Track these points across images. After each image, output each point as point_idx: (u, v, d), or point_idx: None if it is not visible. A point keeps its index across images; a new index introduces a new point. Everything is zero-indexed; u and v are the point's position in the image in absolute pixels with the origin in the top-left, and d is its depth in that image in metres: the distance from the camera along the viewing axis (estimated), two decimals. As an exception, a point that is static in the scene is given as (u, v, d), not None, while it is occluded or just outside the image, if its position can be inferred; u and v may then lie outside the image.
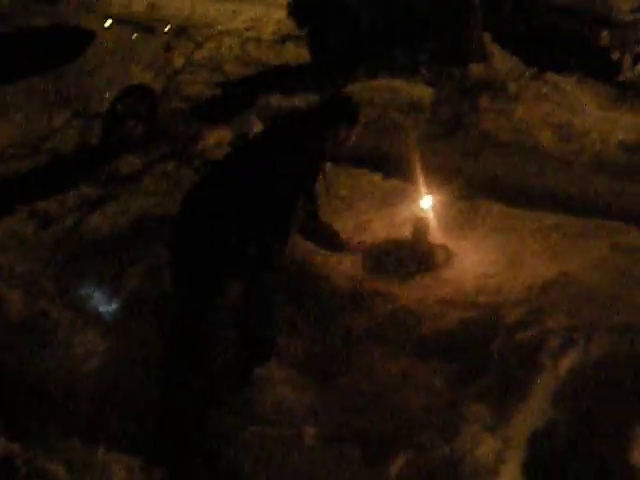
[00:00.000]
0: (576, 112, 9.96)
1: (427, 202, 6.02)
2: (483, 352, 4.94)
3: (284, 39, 14.91)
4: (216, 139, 8.94)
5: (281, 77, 12.38)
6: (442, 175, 7.13)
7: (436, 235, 6.14)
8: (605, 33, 11.62)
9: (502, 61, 11.10)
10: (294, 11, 13.60)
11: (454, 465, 4.26)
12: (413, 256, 5.93)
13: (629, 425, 4.42)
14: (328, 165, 7.28)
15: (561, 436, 4.45)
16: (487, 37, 11.36)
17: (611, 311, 4.97)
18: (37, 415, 4.84)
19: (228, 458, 4.46)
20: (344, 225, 6.28)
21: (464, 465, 4.27)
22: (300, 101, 9.88)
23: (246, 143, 5.62)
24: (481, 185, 7.49)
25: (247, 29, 15.59)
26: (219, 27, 15.46)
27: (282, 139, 4.87)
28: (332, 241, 5.60)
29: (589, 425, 4.47)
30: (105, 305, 5.88)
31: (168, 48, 10.19)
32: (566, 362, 4.70)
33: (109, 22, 9.58)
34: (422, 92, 10.11)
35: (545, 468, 4.36)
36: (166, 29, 10.79)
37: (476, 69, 10.78)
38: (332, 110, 5.00)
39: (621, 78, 12.24)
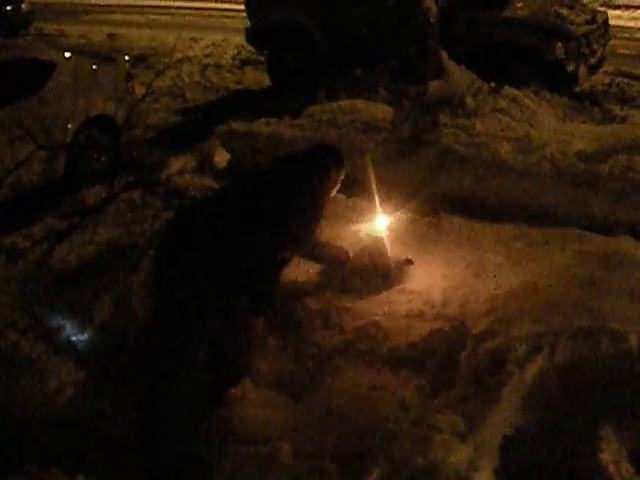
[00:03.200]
0: (534, 124, 10.10)
1: (390, 219, 6.10)
2: (452, 362, 5.03)
3: (243, 63, 15.05)
4: (179, 166, 9.00)
5: (242, 102, 12.46)
6: (405, 192, 7.24)
7: (400, 250, 6.22)
8: (559, 45, 11.79)
9: (459, 77, 11.23)
10: (252, 36, 13.72)
11: (428, 475, 4.31)
12: (378, 271, 6.01)
13: (597, 427, 4.51)
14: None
15: (531, 441, 4.53)
16: (444, 54, 11.48)
17: (575, 317, 5.05)
18: (14, 447, 4.85)
19: (205, 479, 4.49)
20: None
21: (438, 474, 4.31)
22: (261, 126, 9.94)
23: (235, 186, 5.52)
24: (443, 200, 7.59)
25: (206, 55, 15.71)
26: (179, 54, 15.54)
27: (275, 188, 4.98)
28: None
29: (558, 429, 4.56)
30: (76, 336, 5.90)
31: (129, 77, 10.23)
32: (533, 369, 4.77)
33: (68, 54, 9.62)
34: (381, 111, 10.20)
35: (517, 473, 4.43)
36: (126, 58, 10.83)
37: (434, 86, 10.90)
38: (321, 157, 5.24)
39: (577, 89, 12.45)
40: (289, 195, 4.90)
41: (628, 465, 4.42)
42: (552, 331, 4.92)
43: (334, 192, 5.48)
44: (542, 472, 4.45)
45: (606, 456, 4.39)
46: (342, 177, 5.37)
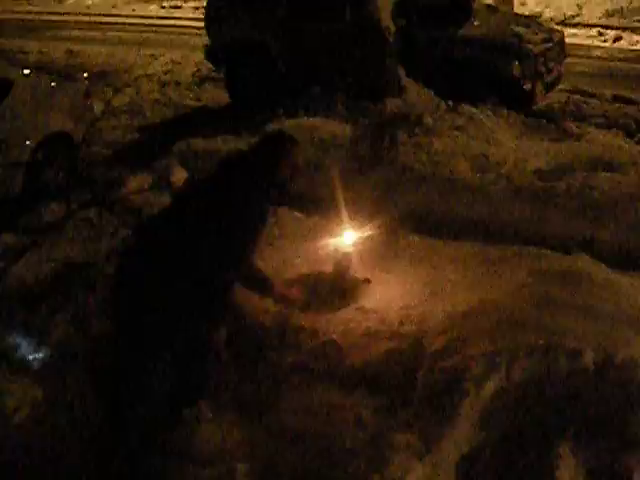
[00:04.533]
0: (491, 142, 10.19)
1: (348, 237, 6.11)
2: (408, 381, 5.03)
3: (203, 81, 15.04)
4: (137, 184, 8.96)
5: (201, 119, 12.44)
6: (363, 210, 7.24)
7: (358, 269, 6.23)
8: (516, 64, 11.92)
9: (418, 95, 11.33)
10: (211, 53, 13.72)
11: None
12: (336, 290, 6.01)
13: (554, 444, 4.53)
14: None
15: (489, 459, 4.54)
16: (402, 71, 11.56)
17: (531, 335, 5.07)
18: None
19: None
20: (266, 263, 6.33)
21: (397, 493, 4.34)
22: (219, 143, 9.93)
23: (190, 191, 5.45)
24: (401, 218, 7.61)
25: (166, 72, 15.68)
26: (138, 71, 15.51)
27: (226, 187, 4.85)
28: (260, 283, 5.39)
29: (515, 447, 4.57)
30: (33, 354, 5.84)
31: (87, 94, 10.18)
32: (489, 386, 4.79)
33: (27, 71, 9.55)
34: (340, 129, 10.24)
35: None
36: (85, 75, 10.79)
37: (392, 104, 10.98)
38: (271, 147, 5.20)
39: (534, 107, 12.57)
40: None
41: (585, 482, 4.46)
42: (508, 349, 4.94)
43: None
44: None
45: (563, 473, 4.41)
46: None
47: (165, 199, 8.33)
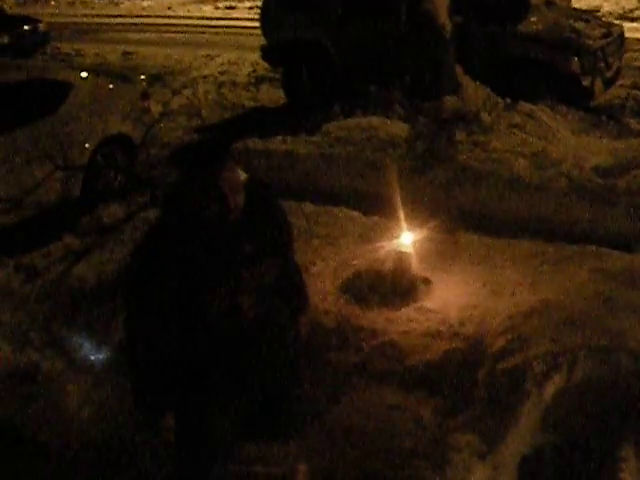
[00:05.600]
0: (550, 139, 10.09)
1: (407, 236, 6.11)
2: (469, 381, 5.02)
3: (259, 81, 15.11)
4: (196, 184, 9.00)
5: (258, 119, 12.50)
6: (421, 209, 7.24)
7: (418, 268, 6.22)
8: (575, 60, 11.79)
9: (475, 93, 11.24)
10: (268, 53, 13.78)
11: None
12: (396, 290, 6.01)
13: (616, 447, 4.49)
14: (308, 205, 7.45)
15: (550, 461, 4.51)
16: (459, 69, 11.50)
17: (593, 335, 5.03)
18: (33, 467, 4.86)
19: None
20: (326, 263, 6.36)
21: (458, 493, 4.34)
22: (277, 143, 9.95)
23: None
24: (460, 217, 7.58)
25: (222, 73, 15.79)
26: (194, 73, 15.65)
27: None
28: None
29: (577, 449, 4.54)
30: (95, 355, 5.92)
31: (145, 96, 10.29)
32: (551, 387, 4.76)
33: (85, 73, 9.69)
34: (397, 128, 10.21)
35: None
36: (142, 77, 10.90)
37: (449, 102, 10.91)
38: None
39: (593, 104, 12.43)
40: None
41: (648, 485, 4.42)
42: (570, 349, 4.91)
43: None
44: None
45: (626, 476, 4.37)
46: None
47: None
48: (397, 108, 11.14)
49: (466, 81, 11.45)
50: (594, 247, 6.56)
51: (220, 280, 3.77)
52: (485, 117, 10.36)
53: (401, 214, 6.64)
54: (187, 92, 14.18)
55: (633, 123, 11.63)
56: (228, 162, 3.79)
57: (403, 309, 5.89)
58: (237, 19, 23.74)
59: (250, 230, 3.84)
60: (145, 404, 3.99)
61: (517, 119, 10.52)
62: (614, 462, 4.43)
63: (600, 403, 4.67)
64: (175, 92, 12.72)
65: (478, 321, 5.58)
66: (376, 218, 7.33)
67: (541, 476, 4.52)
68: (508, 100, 11.21)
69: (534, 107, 10.97)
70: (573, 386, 4.81)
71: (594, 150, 9.83)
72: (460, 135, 9.82)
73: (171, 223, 3.79)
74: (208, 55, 17.31)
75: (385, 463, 4.54)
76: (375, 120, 10.52)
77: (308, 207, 7.49)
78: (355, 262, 6.39)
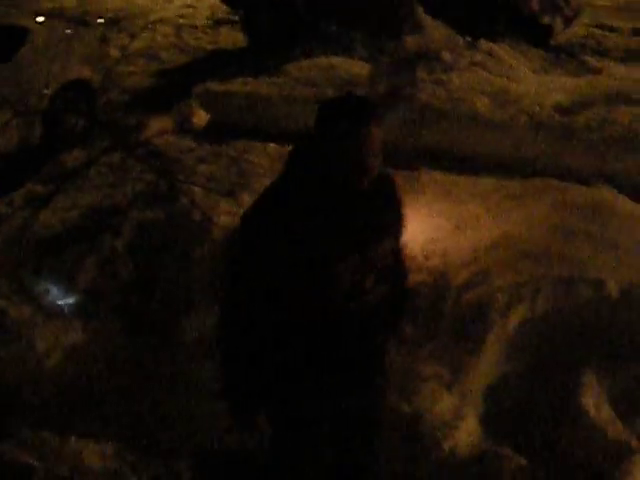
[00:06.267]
0: (511, 78, 10.11)
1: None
2: (435, 314, 5.10)
3: (219, 23, 14.93)
4: (158, 128, 8.97)
5: (218, 62, 12.40)
6: (384, 147, 7.25)
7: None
8: (535, -2, 11.83)
9: (436, 31, 11.23)
10: (227, -5, 13.65)
11: (415, 423, 4.43)
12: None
13: (578, 373, 4.62)
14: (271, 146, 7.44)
15: (515, 388, 4.62)
16: (419, 8, 11.47)
17: (555, 266, 5.14)
18: (4, 411, 4.89)
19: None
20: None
21: (424, 422, 4.44)
22: (238, 85, 9.90)
23: None
24: (422, 155, 7.63)
25: (181, 16, 15.56)
26: (153, 16, 15.41)
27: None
28: None
29: (540, 376, 4.66)
30: (63, 300, 5.93)
31: (103, 40, 10.18)
32: (515, 317, 4.88)
33: (41, 18, 9.55)
34: (359, 68, 10.19)
35: (501, 420, 4.53)
36: (100, 21, 10.76)
37: (411, 41, 10.89)
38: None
39: (553, 42, 12.46)
40: None
41: (609, 409, 4.54)
42: (533, 280, 5.01)
43: None
44: (525, 419, 4.55)
45: (587, 400, 4.50)
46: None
47: (187, 142, 8.39)
48: (358, 48, 11.12)
49: (427, 20, 11.43)
50: (555, 181, 6.64)
51: (348, 255, 3.22)
52: (446, 56, 10.35)
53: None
54: (146, 36, 13.98)
55: (592, 61, 11.72)
56: (378, 119, 3.20)
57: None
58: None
59: (374, 203, 3.29)
60: (238, 401, 3.39)
61: (478, 57, 10.52)
62: (576, 388, 4.55)
63: (562, 332, 4.78)
64: (133, 36, 12.53)
65: (442, 255, 5.65)
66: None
67: (506, 403, 4.63)
68: (469, 38, 11.20)
69: (494, 45, 10.98)
70: (536, 316, 4.92)
71: (554, 88, 9.88)
72: (421, 74, 9.80)
73: (296, 187, 3.22)
74: (166, -2, 17.09)
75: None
76: (336, 60, 10.48)
77: (271, 147, 7.49)
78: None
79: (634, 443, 4.32)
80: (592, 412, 4.44)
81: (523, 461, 4.28)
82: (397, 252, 3.62)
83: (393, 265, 3.55)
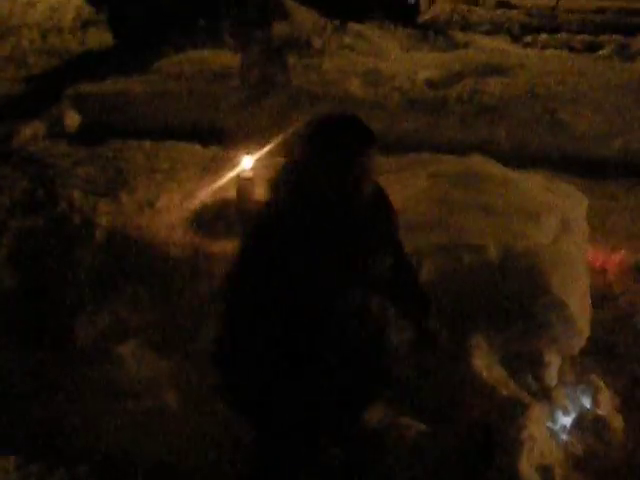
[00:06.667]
0: (381, 57, 10.29)
1: (248, 163, 6.13)
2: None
3: (85, 25, 14.71)
4: (31, 133, 8.80)
5: (88, 63, 12.22)
6: (260, 136, 7.26)
7: (260, 193, 6.26)
8: (397, -22, 12.00)
9: (303, 17, 11.32)
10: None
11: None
12: (241, 216, 6.05)
13: (467, 335, 4.71)
14: (146, 143, 7.38)
15: (407, 358, 4.67)
16: (287, -4, 11.55)
17: (436, 235, 5.22)
18: None
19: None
20: (170, 197, 6.35)
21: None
22: (110, 85, 9.78)
23: None
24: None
25: (46, 19, 15.27)
26: (16, 21, 15.08)
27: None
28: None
29: (430, 342, 4.72)
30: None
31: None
32: (400, 287, 4.94)
33: None
34: (229, 59, 10.19)
35: (398, 391, 4.57)
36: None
37: (279, 28, 10.93)
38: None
39: (420, 20, 12.69)
40: None
41: (500, 369, 4.65)
42: (414, 251, 5.07)
43: None
44: (421, 387, 4.62)
45: (479, 361, 4.59)
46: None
47: (62, 146, 8.24)
48: (227, 39, 11.11)
49: (294, 6, 11.49)
50: (430, 154, 6.74)
51: (349, 277, 3.18)
52: (315, 40, 10.45)
53: (241, 142, 6.64)
54: (11, 41, 13.69)
55: (459, 36, 11.98)
56: (375, 140, 3.21)
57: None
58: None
59: (368, 221, 3.25)
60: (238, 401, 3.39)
61: (347, 40, 10.66)
62: (466, 350, 4.65)
63: (448, 298, 4.85)
64: (-2, 42, 12.25)
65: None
66: (216, 149, 7.31)
67: (401, 374, 4.69)
68: (337, 22, 11.32)
69: (363, 27, 11.14)
70: (422, 284, 4.99)
71: (424, 64, 10.07)
72: (292, 60, 9.88)
73: (290, 207, 3.10)
74: (28, 2, 16.68)
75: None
76: (206, 53, 10.48)
77: (147, 144, 7.40)
78: (199, 193, 6.39)
79: (526, 399, 4.44)
80: (484, 373, 4.54)
81: (422, 427, 4.35)
82: (396, 264, 3.54)
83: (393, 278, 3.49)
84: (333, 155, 3.03)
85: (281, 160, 6.45)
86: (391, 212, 3.51)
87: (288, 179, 3.20)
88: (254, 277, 3.12)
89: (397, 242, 3.58)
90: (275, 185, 3.25)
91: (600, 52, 12.34)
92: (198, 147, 7.41)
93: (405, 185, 6.06)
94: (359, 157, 3.09)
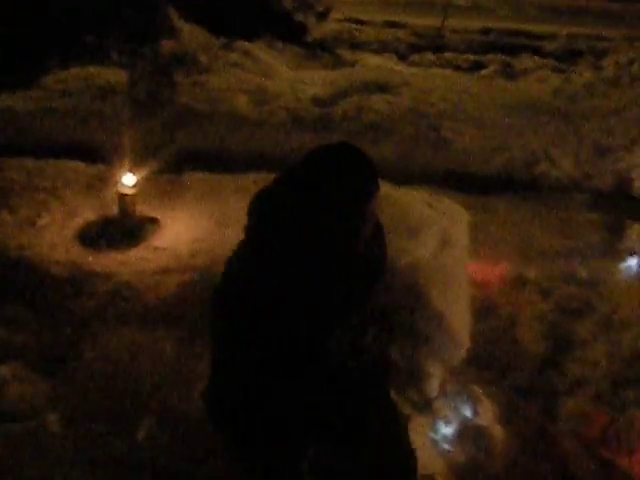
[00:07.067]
0: (268, 75, 10.36)
1: (131, 180, 6.12)
2: (204, 311, 5.18)
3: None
4: None
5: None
6: (145, 153, 7.27)
7: (145, 209, 6.27)
8: (285, -3, 12.12)
9: (191, 34, 11.32)
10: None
11: (196, 417, 4.49)
12: (124, 233, 6.04)
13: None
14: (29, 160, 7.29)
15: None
16: (173, 12, 11.51)
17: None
18: None
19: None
20: (53, 215, 6.30)
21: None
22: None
23: None
24: (185, 157, 7.67)
25: None
26: None
27: None
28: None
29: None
30: None
31: None
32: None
33: None
34: (115, 75, 10.13)
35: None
36: None
37: (167, 45, 10.93)
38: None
39: (308, 38, 12.82)
40: None
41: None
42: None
43: None
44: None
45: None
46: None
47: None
48: (114, 55, 11.03)
49: (181, 23, 11.49)
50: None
51: (344, 318, 3.02)
52: (202, 58, 10.49)
53: (125, 160, 6.62)
54: None
55: (347, 54, 12.15)
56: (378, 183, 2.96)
57: (133, 250, 5.92)
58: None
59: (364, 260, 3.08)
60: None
61: (234, 58, 10.72)
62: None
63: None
64: None
65: (208, 251, 5.70)
66: (100, 166, 7.25)
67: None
68: (224, 40, 11.36)
69: (251, 45, 11.20)
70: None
71: (311, 82, 10.19)
72: (179, 77, 9.89)
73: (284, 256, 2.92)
74: None
75: (135, 400, 4.66)
76: (92, 69, 10.38)
77: (29, 162, 7.30)
78: (82, 211, 6.36)
79: (407, 410, 4.65)
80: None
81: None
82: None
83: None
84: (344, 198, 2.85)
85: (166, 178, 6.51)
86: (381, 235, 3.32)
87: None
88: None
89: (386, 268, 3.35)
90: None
91: (484, 71, 12.66)
92: (81, 165, 7.34)
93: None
94: (366, 203, 2.90)
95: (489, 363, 5.38)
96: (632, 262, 6.56)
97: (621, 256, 6.67)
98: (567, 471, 4.53)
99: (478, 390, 4.99)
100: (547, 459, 4.63)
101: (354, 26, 14.77)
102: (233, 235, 5.73)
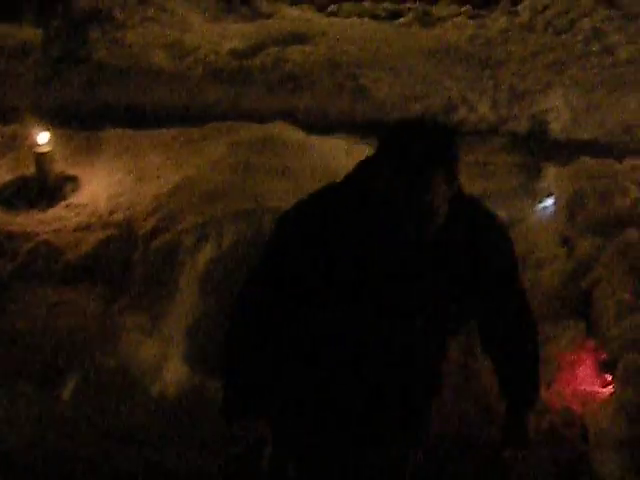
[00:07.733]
0: (185, 29, 10.25)
1: (47, 138, 6.07)
2: (126, 265, 5.20)
3: None
4: None
5: None
6: (63, 112, 7.21)
7: (62, 167, 6.23)
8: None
9: (105, -10, 11.13)
10: None
11: (122, 373, 4.53)
12: (43, 192, 6.00)
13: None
14: None
15: (213, 324, 4.79)
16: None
17: (236, 202, 5.34)
18: None
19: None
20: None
21: (131, 370, 4.55)
22: None
23: None
24: (102, 114, 7.62)
25: None
26: None
27: None
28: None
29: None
30: None
31: None
32: (203, 256, 5.05)
33: None
34: (29, 34, 9.92)
35: (204, 356, 4.69)
36: None
37: (81, 2, 10.73)
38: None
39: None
40: None
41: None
42: (216, 218, 5.19)
43: None
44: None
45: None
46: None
47: None
48: (27, 13, 10.80)
49: (94, -20, 11.29)
50: (231, 122, 6.81)
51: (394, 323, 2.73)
52: (117, 13, 10.31)
53: (41, 119, 6.54)
54: None
55: (264, 6, 12.03)
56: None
57: (52, 209, 5.89)
58: None
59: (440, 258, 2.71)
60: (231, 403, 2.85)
61: (150, 12, 10.55)
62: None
63: (249, 262, 4.96)
64: None
65: (127, 207, 5.71)
66: (16, 126, 7.10)
67: (206, 340, 4.79)
68: (136, -6, 11.19)
69: (165, -1, 11.06)
70: (224, 252, 5.11)
71: (229, 35, 10.11)
72: (95, 34, 9.73)
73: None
74: None
75: (60, 359, 4.68)
76: (4, 28, 10.16)
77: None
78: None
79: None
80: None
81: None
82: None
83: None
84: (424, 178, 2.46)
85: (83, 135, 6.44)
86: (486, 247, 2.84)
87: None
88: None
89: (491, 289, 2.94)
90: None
91: (402, 19, 12.65)
92: (-2, 124, 7.25)
93: (206, 154, 6.13)
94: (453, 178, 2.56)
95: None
96: (548, 202, 6.68)
97: (538, 197, 6.79)
98: (489, 406, 4.62)
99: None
100: (468, 395, 4.71)
101: (271, -22, 14.65)
102: (151, 190, 5.82)
